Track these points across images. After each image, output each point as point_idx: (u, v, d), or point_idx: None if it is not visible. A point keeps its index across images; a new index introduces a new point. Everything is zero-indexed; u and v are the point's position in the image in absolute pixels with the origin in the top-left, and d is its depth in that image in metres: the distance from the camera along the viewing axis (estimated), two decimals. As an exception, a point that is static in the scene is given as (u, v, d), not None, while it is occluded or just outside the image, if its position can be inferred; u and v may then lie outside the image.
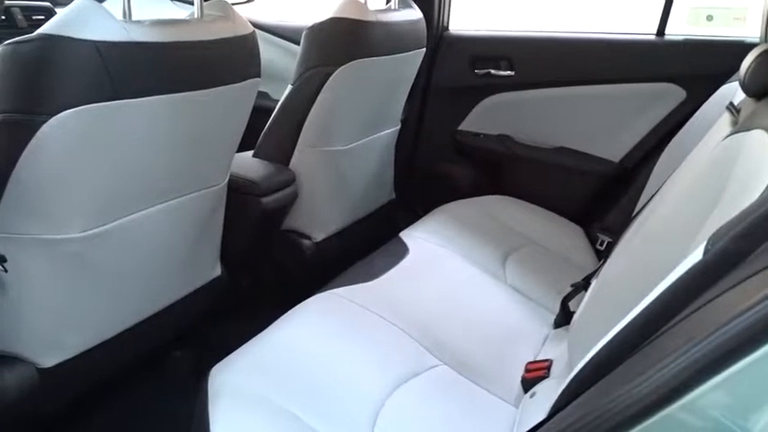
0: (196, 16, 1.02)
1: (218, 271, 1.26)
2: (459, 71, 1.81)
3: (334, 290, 1.11)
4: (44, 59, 0.80)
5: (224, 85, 1.01)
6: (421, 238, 1.38)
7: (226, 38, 1.01)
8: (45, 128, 0.80)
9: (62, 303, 0.94)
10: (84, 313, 0.98)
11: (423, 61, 1.62)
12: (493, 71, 1.77)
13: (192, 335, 1.35)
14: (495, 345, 1.09)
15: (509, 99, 1.79)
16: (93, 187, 0.89)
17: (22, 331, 0.93)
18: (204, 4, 1.03)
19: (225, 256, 1.28)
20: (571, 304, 1.17)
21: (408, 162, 1.88)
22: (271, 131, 1.45)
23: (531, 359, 1.07)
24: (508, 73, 1.76)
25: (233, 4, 2.27)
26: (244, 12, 2.27)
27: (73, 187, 0.86)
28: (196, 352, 1.37)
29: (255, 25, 2.21)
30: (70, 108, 0.80)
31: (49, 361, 0.95)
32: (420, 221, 1.48)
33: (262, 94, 1.77)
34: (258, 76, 1.10)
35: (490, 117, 1.82)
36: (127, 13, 0.89)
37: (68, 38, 0.80)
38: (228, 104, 1.05)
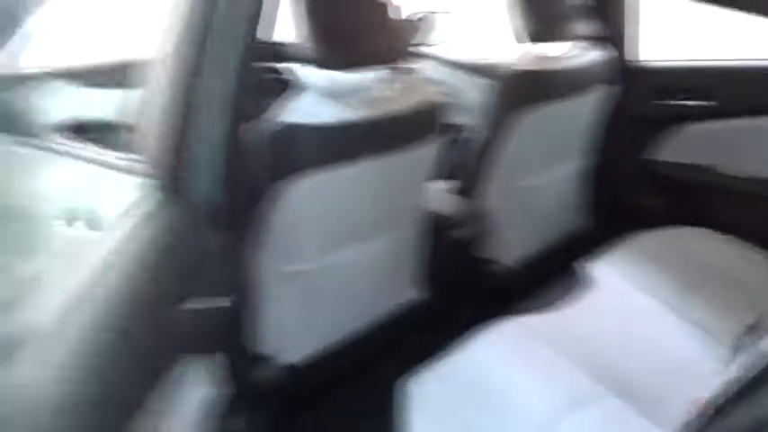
0: (387, 92, 1.23)
1: (415, 292, 1.48)
2: (649, 101, 1.81)
3: (517, 317, 1.24)
4: (287, 141, 1.09)
5: (413, 147, 1.22)
6: (606, 270, 1.41)
7: (414, 107, 1.22)
8: (290, 189, 1.09)
9: (296, 317, 1.24)
10: (310, 326, 1.28)
11: (611, 93, 1.66)
12: (685, 101, 1.74)
13: (393, 348, 1.58)
14: (667, 378, 1.12)
15: (704, 129, 1.73)
16: (319, 232, 1.17)
17: (271, 337, 1.25)
18: (393, 75, 1.24)
19: (421, 280, 1.50)
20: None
21: (595, 191, 1.92)
22: (462, 166, 1.63)
23: (703, 396, 1.08)
24: (702, 103, 1.72)
25: (429, 46, 2.49)
26: (440, 50, 2.48)
27: (306, 232, 1.16)
28: (397, 363, 1.60)
29: (451, 63, 2.41)
30: (305, 175, 1.08)
31: (290, 359, 1.26)
32: (606, 252, 1.51)
33: (455, 127, 1.95)
34: (440, 133, 1.29)
35: (684, 146, 1.78)
36: (339, 95, 1.15)
37: (301, 125, 1.08)
38: (417, 161, 1.27)
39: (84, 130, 1.74)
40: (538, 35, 1.52)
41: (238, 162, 0.99)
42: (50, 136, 1.36)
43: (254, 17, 0.91)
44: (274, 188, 1.11)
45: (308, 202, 1.12)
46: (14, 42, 1.48)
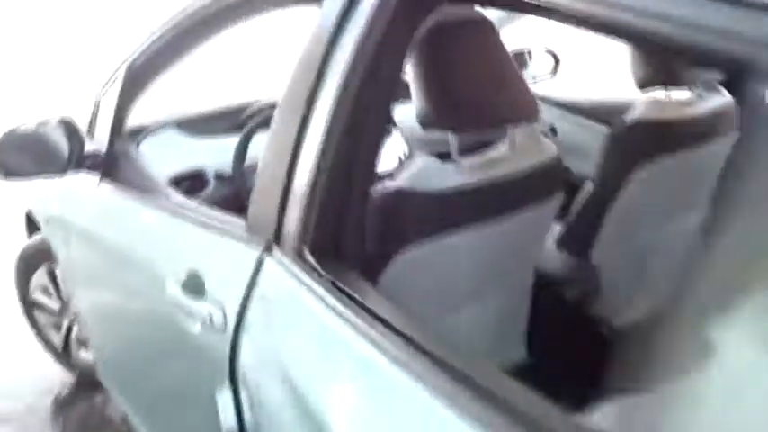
0: (508, 150, 1.17)
1: (518, 352, 1.39)
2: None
3: (643, 391, 1.14)
4: (395, 208, 1.03)
5: (533, 207, 1.15)
6: (734, 336, 1.31)
7: (534, 165, 1.14)
8: (398, 259, 1.04)
9: None
10: None
11: (743, 140, 1.53)
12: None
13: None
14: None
15: None
16: (427, 300, 1.10)
17: None
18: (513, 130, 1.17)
19: (531, 341, 1.41)
20: None
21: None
22: (573, 224, 1.54)
23: None
24: None
25: (534, 82, 2.40)
26: (546, 88, 2.38)
27: (414, 301, 1.08)
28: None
29: (556, 103, 2.31)
30: (414, 245, 1.03)
31: None
32: (734, 315, 1.40)
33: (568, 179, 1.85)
34: (562, 190, 1.21)
35: None
36: (456, 157, 1.09)
37: (410, 191, 1.03)
38: (537, 222, 1.20)
39: (197, 184, 1.77)
40: (661, 78, 1.43)
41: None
42: (165, 190, 1.38)
43: (394, 79, 0.89)
44: (382, 256, 1.05)
45: (416, 274, 1.06)
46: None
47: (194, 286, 1.09)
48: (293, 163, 0.93)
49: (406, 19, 0.92)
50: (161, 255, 1.25)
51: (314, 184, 0.89)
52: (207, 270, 1.08)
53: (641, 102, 1.42)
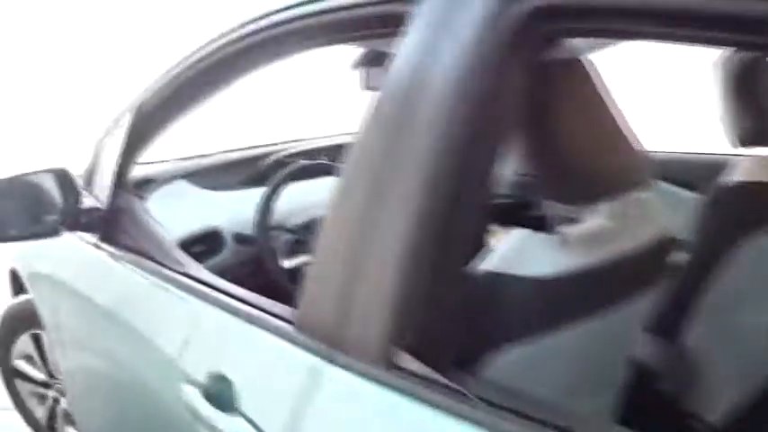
0: (616, 221, 0.95)
1: None
2: None
3: None
4: (485, 300, 0.80)
5: (642, 292, 0.92)
6: None
7: (648, 241, 0.92)
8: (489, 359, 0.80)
9: None
10: None
11: None
12: None
13: None
14: None
15: None
16: None
17: None
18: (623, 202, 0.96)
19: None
20: None
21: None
22: (663, 302, 1.31)
23: None
24: None
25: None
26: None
27: None
28: None
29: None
30: (508, 347, 0.79)
31: None
32: None
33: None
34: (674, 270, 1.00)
35: None
36: (561, 231, 0.86)
37: (504, 275, 0.79)
38: (644, 307, 0.97)
39: (212, 246, 1.53)
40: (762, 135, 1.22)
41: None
42: (176, 256, 1.14)
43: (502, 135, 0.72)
44: (473, 359, 0.81)
45: (510, 381, 0.82)
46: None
47: (219, 395, 0.84)
48: (368, 239, 0.71)
49: (516, 64, 0.71)
50: (174, 345, 1.01)
51: (409, 269, 0.66)
52: (237, 375, 0.84)
53: (745, 161, 1.21)
